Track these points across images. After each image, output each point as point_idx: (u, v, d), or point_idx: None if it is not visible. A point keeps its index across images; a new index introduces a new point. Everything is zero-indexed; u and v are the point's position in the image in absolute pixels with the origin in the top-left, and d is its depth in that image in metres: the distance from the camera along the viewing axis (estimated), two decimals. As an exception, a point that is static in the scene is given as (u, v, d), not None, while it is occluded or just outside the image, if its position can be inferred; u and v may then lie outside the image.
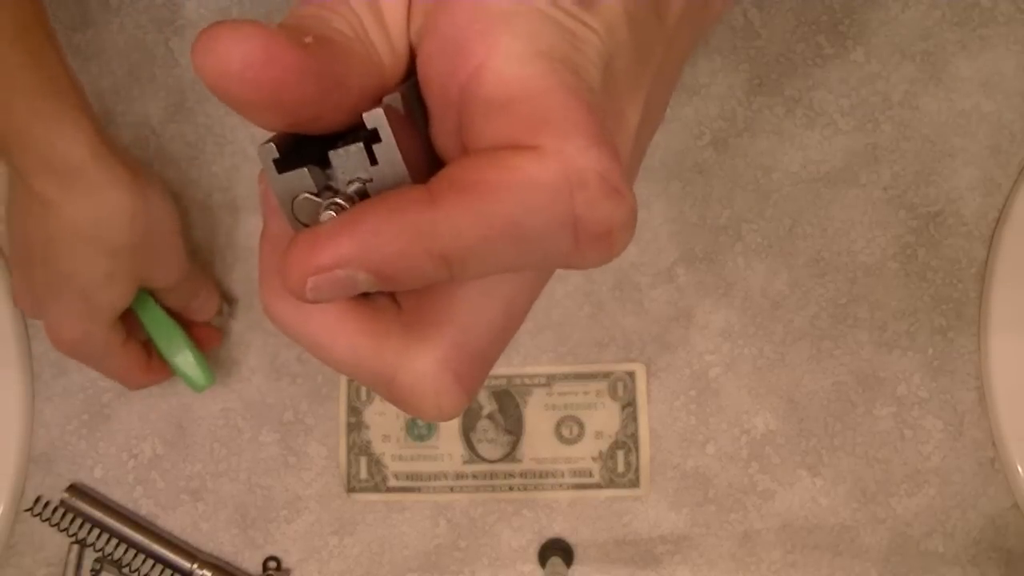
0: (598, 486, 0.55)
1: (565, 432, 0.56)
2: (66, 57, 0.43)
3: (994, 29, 0.56)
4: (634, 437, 0.55)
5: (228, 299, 0.56)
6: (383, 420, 0.56)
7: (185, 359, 0.51)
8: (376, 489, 0.56)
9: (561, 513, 0.55)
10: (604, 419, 0.56)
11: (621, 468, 0.55)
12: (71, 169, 0.42)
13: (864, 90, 0.56)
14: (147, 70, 0.57)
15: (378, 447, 0.56)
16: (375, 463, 0.56)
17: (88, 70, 0.57)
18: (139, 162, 0.46)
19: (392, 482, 0.56)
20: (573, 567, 0.55)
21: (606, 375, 0.56)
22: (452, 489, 0.55)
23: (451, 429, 0.56)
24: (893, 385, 0.55)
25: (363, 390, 0.56)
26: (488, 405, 0.56)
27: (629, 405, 0.55)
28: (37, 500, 0.56)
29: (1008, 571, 0.54)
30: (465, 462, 0.56)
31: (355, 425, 0.56)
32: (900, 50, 0.56)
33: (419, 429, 0.56)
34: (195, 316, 0.54)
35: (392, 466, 0.56)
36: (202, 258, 0.57)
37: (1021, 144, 0.56)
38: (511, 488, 0.55)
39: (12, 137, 0.41)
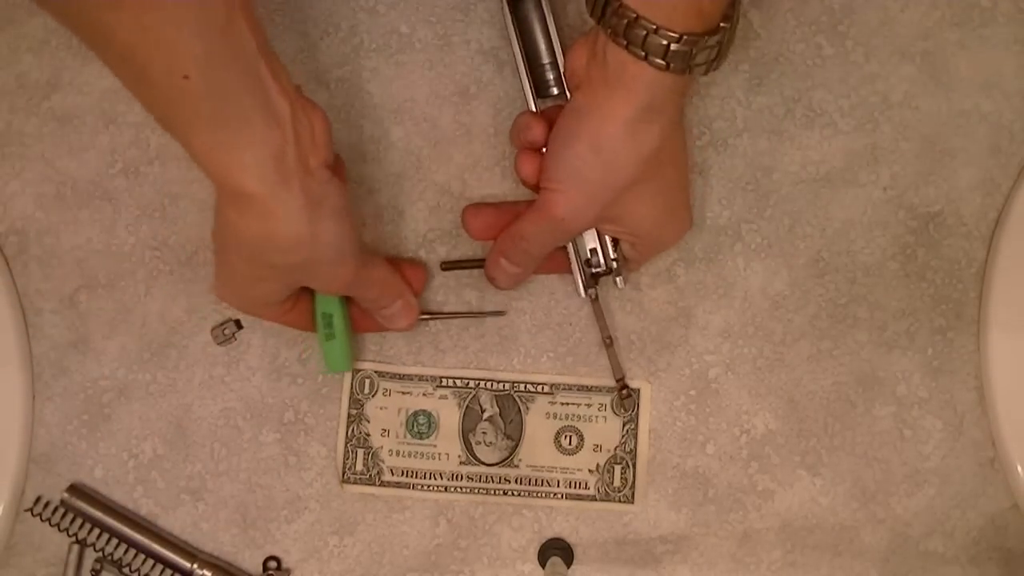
0: (592, 499, 0.55)
1: (564, 442, 0.56)
2: (278, 79, 0.43)
3: (994, 29, 0.56)
4: (633, 453, 0.55)
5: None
6: (384, 414, 0.56)
7: (332, 346, 0.53)
8: (370, 482, 0.56)
9: (561, 513, 0.55)
10: (605, 432, 0.56)
11: (617, 483, 0.55)
12: (242, 199, 0.43)
13: (864, 90, 0.56)
14: (147, 70, 0.57)
15: (376, 441, 0.56)
16: (372, 456, 0.56)
17: (88, 70, 0.57)
18: (327, 182, 0.46)
19: (387, 477, 0.56)
20: (573, 567, 0.55)
21: (611, 389, 0.56)
22: (447, 489, 0.55)
23: (451, 429, 0.56)
24: (893, 385, 0.55)
25: (367, 383, 0.56)
26: (490, 408, 0.56)
27: (631, 421, 0.55)
28: (37, 500, 0.56)
29: (1008, 571, 0.55)
30: (462, 463, 0.56)
31: (355, 417, 0.56)
32: (900, 50, 0.56)
33: (419, 426, 0.56)
34: (386, 324, 0.54)
35: (389, 461, 0.56)
36: (205, 253, 0.57)
37: (1021, 144, 0.56)
38: (505, 493, 0.55)
39: (208, 171, 0.43)
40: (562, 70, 0.52)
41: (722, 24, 0.44)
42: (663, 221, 0.51)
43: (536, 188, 0.51)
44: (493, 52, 0.57)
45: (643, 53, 0.43)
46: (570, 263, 0.54)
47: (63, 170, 0.57)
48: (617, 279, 0.54)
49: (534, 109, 0.53)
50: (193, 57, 0.39)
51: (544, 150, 0.50)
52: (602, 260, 0.53)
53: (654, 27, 0.43)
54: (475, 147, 0.57)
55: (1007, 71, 0.56)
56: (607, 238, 0.53)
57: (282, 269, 0.47)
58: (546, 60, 0.53)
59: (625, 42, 0.44)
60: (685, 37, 0.43)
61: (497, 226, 0.53)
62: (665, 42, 0.43)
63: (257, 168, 0.43)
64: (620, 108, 0.46)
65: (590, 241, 0.53)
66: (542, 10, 0.53)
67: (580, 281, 0.54)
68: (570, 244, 0.53)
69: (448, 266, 0.56)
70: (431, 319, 0.56)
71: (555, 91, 0.53)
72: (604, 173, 0.47)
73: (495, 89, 0.56)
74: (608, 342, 0.55)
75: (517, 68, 0.53)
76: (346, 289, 0.51)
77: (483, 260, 0.54)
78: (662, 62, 0.43)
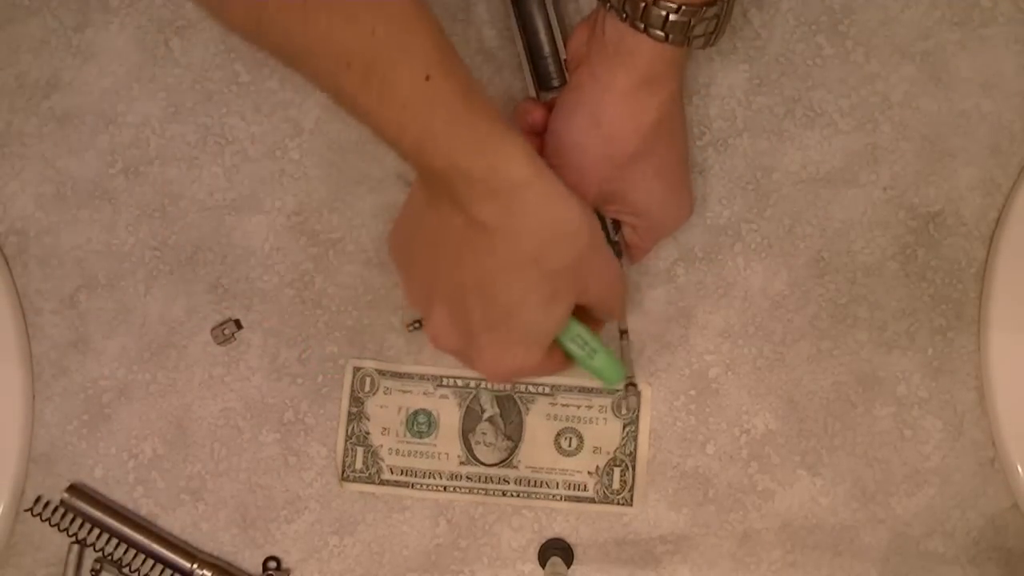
0: (591, 500, 0.55)
1: (564, 443, 0.56)
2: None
3: (994, 29, 0.56)
4: (632, 456, 0.55)
5: None
6: (384, 413, 0.56)
7: (602, 359, 0.48)
8: (370, 480, 0.56)
9: (561, 513, 0.55)
10: (604, 435, 0.55)
11: (616, 485, 0.55)
12: (516, 189, 0.40)
13: (864, 90, 0.56)
14: (147, 70, 0.57)
15: (376, 439, 0.56)
16: (372, 455, 0.56)
17: (88, 70, 0.57)
18: None
19: (387, 475, 0.56)
20: (573, 567, 0.55)
21: (612, 392, 0.55)
22: (446, 489, 0.55)
23: (451, 428, 0.56)
24: (893, 385, 0.55)
25: (367, 381, 0.56)
26: (490, 408, 0.56)
27: (631, 424, 0.55)
28: (37, 500, 0.56)
29: (1008, 571, 0.55)
30: (461, 463, 0.56)
31: (356, 415, 0.56)
32: (900, 50, 0.56)
33: (419, 425, 0.56)
34: (603, 317, 0.50)
35: (388, 459, 0.56)
36: (205, 253, 0.57)
37: (1021, 144, 0.56)
38: (504, 494, 0.55)
39: (455, 171, 0.40)
40: (563, 61, 0.52)
41: None
42: (663, 201, 0.51)
43: None
44: (493, 52, 0.57)
45: (642, 25, 0.44)
46: None
47: (63, 170, 0.57)
48: (622, 261, 0.54)
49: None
50: (424, 53, 0.38)
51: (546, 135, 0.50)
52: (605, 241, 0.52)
53: None
54: (475, 147, 0.57)
55: (1007, 71, 0.56)
56: (608, 220, 0.53)
57: (567, 275, 0.43)
58: (548, 52, 0.53)
59: (624, 14, 0.44)
60: (683, 8, 0.43)
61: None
62: (664, 13, 0.44)
63: (524, 150, 0.41)
64: (619, 81, 0.46)
65: None
66: (544, 3, 0.53)
67: None
68: None
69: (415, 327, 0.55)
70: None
71: (557, 83, 0.53)
72: (604, 146, 0.47)
73: (495, 89, 0.56)
74: (622, 335, 0.54)
75: (520, 60, 0.54)
76: (618, 285, 0.48)
77: None
78: (660, 33, 0.44)
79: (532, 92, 0.54)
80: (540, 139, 0.50)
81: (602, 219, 0.52)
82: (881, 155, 0.56)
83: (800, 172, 0.56)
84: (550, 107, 0.50)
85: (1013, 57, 0.56)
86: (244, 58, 0.57)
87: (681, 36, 0.45)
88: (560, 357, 0.48)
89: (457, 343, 0.46)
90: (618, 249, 0.53)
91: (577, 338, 0.48)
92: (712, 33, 0.46)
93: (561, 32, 0.53)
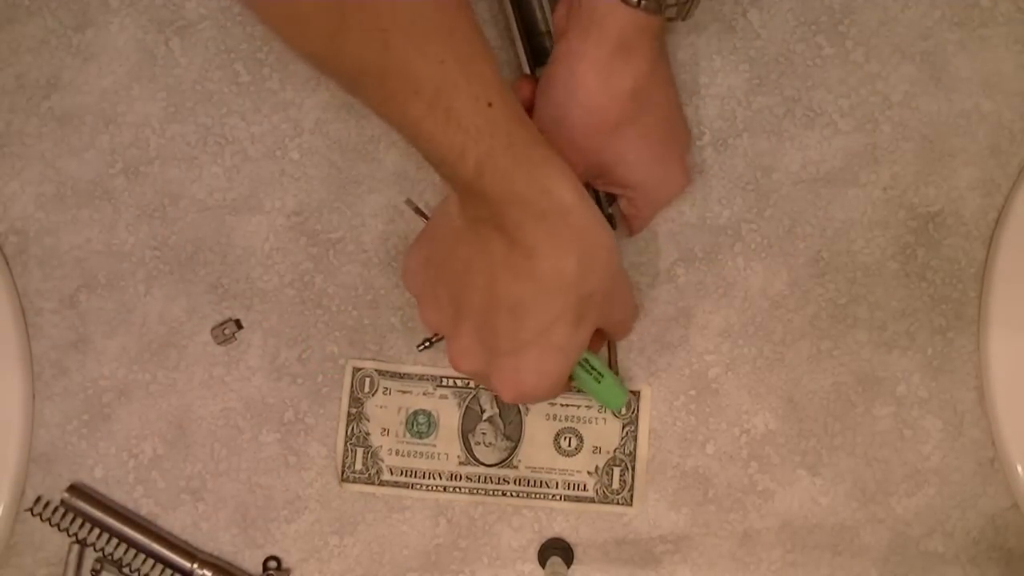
0: (591, 500, 0.55)
1: (564, 443, 0.56)
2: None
3: (994, 29, 0.56)
4: (632, 456, 0.55)
5: None
6: (383, 413, 0.56)
7: (608, 384, 0.49)
8: (369, 481, 0.56)
9: (561, 513, 0.55)
10: (604, 435, 0.55)
11: (616, 485, 0.55)
12: (562, 212, 0.42)
13: (864, 90, 0.56)
14: (147, 70, 0.57)
15: (376, 440, 0.56)
16: (371, 455, 0.56)
17: (88, 70, 0.57)
18: None
19: (386, 476, 0.56)
20: (573, 567, 0.55)
21: None
22: (445, 489, 0.55)
23: (450, 429, 0.56)
24: (893, 385, 0.55)
25: (367, 381, 0.56)
26: (490, 408, 0.56)
27: (630, 424, 0.55)
28: (37, 500, 0.56)
29: (1008, 571, 0.55)
30: (461, 463, 0.56)
31: (355, 416, 0.56)
32: (900, 50, 0.56)
33: (419, 425, 0.56)
34: (614, 339, 0.53)
35: (388, 460, 0.56)
36: (205, 253, 0.57)
37: (1021, 144, 0.56)
38: (504, 494, 0.55)
39: (510, 194, 0.41)
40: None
41: None
42: (652, 170, 0.51)
43: None
44: (493, 52, 0.56)
45: None
46: None
47: (63, 170, 0.57)
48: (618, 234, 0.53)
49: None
50: (487, 81, 0.40)
51: None
52: None
53: None
54: (475, 147, 0.57)
55: (1007, 71, 0.56)
56: (602, 195, 0.53)
57: (597, 297, 0.44)
58: (544, 29, 0.53)
59: None
60: None
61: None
62: None
63: (570, 175, 0.42)
64: (592, 49, 0.46)
65: None
66: None
67: None
68: None
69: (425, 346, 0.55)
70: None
71: None
72: (583, 116, 0.48)
73: (495, 89, 0.56)
74: (610, 347, 0.55)
75: (512, 37, 0.53)
76: (633, 309, 0.50)
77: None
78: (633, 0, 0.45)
79: (526, 69, 0.53)
80: (529, 115, 0.50)
81: (596, 193, 0.52)
82: (881, 155, 0.56)
83: (800, 172, 0.56)
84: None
85: (1013, 57, 0.56)
86: (244, 58, 0.57)
87: (654, 4, 0.45)
88: (566, 380, 0.48)
89: (479, 365, 0.46)
90: (613, 222, 0.53)
91: (585, 362, 0.49)
92: (686, 3, 0.46)
93: (551, 8, 0.52)
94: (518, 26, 0.53)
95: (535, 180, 0.41)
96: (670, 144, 0.52)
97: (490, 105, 0.40)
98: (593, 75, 0.47)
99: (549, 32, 0.53)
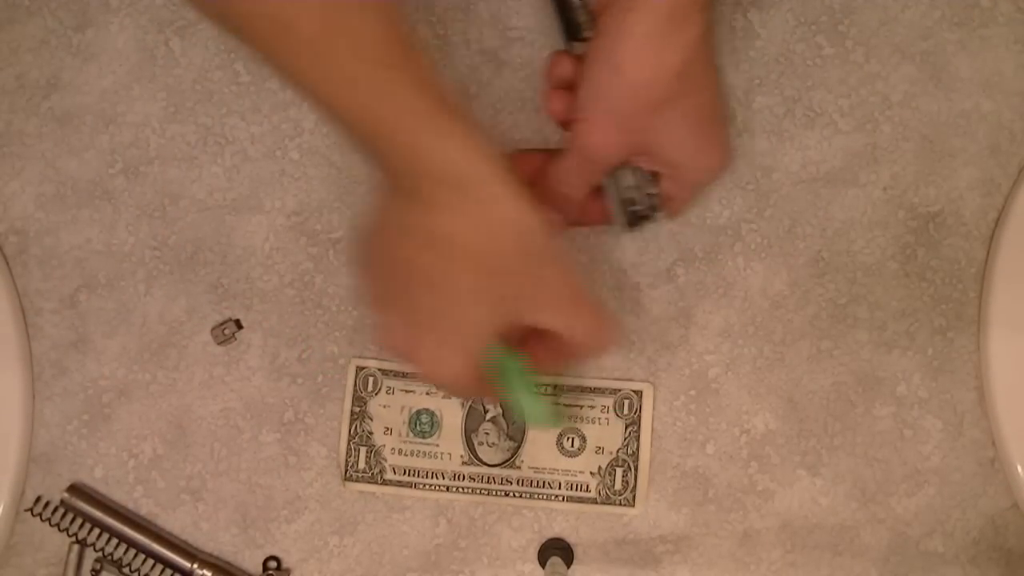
0: (594, 501, 0.55)
1: (567, 444, 0.56)
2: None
3: (994, 29, 0.56)
4: (635, 456, 0.55)
5: None
6: (386, 412, 0.56)
7: (529, 403, 0.48)
8: (372, 480, 0.56)
9: (561, 513, 0.55)
10: (607, 435, 0.55)
11: (619, 486, 0.55)
12: (467, 183, 0.41)
13: (864, 90, 0.56)
14: (147, 70, 0.57)
15: (379, 439, 0.56)
16: (374, 455, 0.56)
17: (88, 70, 0.57)
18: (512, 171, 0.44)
19: (389, 475, 0.56)
20: (573, 567, 0.55)
21: (614, 391, 0.55)
22: (448, 489, 0.55)
23: (453, 428, 0.56)
24: (893, 385, 0.55)
25: (370, 380, 0.56)
26: (493, 408, 0.56)
27: (633, 424, 0.55)
28: (37, 500, 0.56)
29: (1008, 571, 0.55)
30: (464, 463, 0.56)
31: (358, 415, 0.56)
32: (900, 50, 0.56)
33: (422, 425, 0.56)
34: (575, 352, 0.48)
35: (391, 459, 0.56)
36: (205, 253, 0.57)
37: (1021, 144, 0.56)
38: (507, 495, 0.55)
39: (419, 167, 0.41)
40: (591, 7, 0.51)
41: None
42: (698, 148, 0.50)
43: (567, 125, 0.49)
44: (493, 52, 0.57)
45: None
46: (609, 203, 0.52)
47: (63, 170, 0.57)
48: (659, 214, 0.53)
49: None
50: (376, 41, 0.39)
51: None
52: (641, 197, 0.51)
53: None
54: (475, 147, 0.57)
55: (1007, 71, 0.56)
56: (645, 173, 0.51)
57: (515, 274, 0.43)
58: (578, 3, 0.51)
59: None
60: None
61: (541, 170, 0.51)
62: None
63: (476, 148, 0.41)
64: (640, 23, 0.45)
65: (627, 178, 0.51)
66: None
67: (621, 220, 0.52)
68: (609, 184, 0.51)
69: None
70: None
71: (588, 34, 0.51)
72: (629, 92, 0.46)
73: (495, 89, 0.56)
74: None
75: (550, 10, 0.52)
76: (573, 308, 0.45)
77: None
78: None
79: (561, 44, 0.52)
80: (568, 94, 0.49)
81: (639, 171, 0.51)
82: (881, 155, 0.56)
83: (800, 172, 0.56)
84: (581, 60, 0.49)
85: (1013, 57, 0.56)
86: (244, 58, 0.57)
87: None
88: (475, 370, 0.45)
89: (403, 343, 0.45)
90: (656, 202, 0.52)
91: (508, 371, 0.47)
92: None
93: None
94: (554, 1, 0.52)
95: (439, 150, 0.40)
96: (714, 122, 0.51)
97: (385, 66, 0.39)
98: (642, 51, 0.45)
99: (584, 4, 0.51)
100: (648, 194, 0.52)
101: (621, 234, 0.53)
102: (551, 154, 0.51)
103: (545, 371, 0.50)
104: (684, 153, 0.49)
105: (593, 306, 0.47)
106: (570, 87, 0.49)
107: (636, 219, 0.53)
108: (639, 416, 0.55)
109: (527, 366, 0.48)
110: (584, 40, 0.51)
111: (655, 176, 0.51)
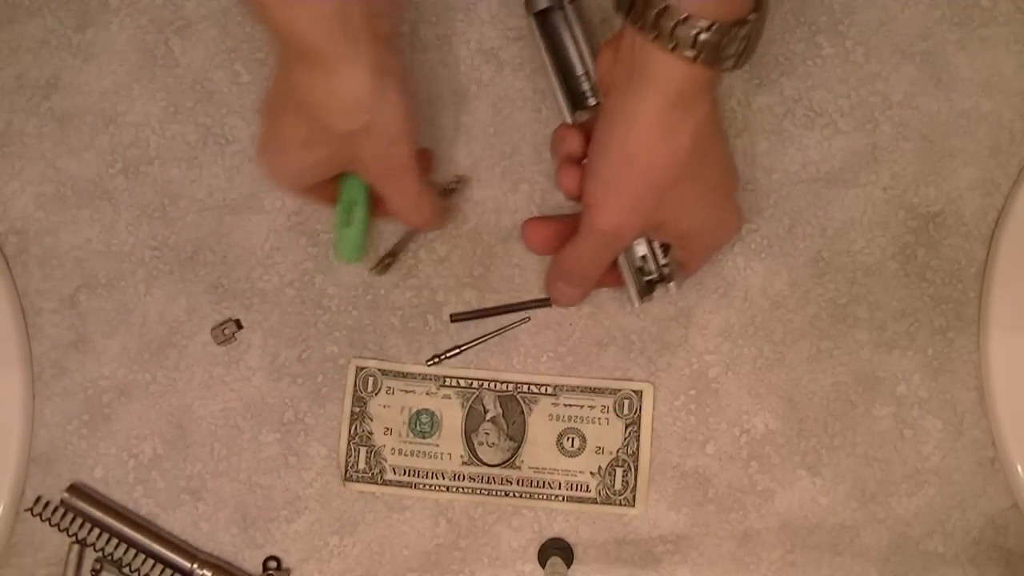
0: (594, 501, 0.55)
1: (567, 444, 0.56)
2: None
3: (994, 29, 0.56)
4: (635, 456, 0.55)
5: (459, 177, 0.56)
6: (386, 413, 0.56)
7: (347, 232, 0.52)
8: (372, 480, 0.56)
9: (561, 513, 0.55)
10: (607, 435, 0.55)
11: (619, 486, 0.55)
12: (312, 54, 0.43)
13: (864, 90, 0.56)
14: (147, 70, 0.57)
15: (379, 439, 0.56)
16: (374, 455, 0.56)
17: (88, 70, 0.57)
18: (392, 54, 0.46)
19: (389, 475, 0.56)
20: (573, 567, 0.55)
21: (614, 391, 0.55)
22: (448, 489, 0.55)
23: (453, 429, 0.56)
24: (893, 385, 0.55)
25: (370, 380, 0.56)
26: (493, 409, 0.56)
27: (633, 424, 0.55)
28: (37, 500, 0.56)
29: (1008, 571, 0.55)
30: (464, 463, 0.56)
31: (358, 415, 0.56)
32: (900, 50, 0.56)
33: (422, 425, 0.56)
34: (404, 218, 0.53)
35: (391, 459, 0.56)
36: (205, 253, 0.57)
37: (1021, 144, 0.56)
38: (507, 495, 0.55)
39: (269, 19, 0.43)
40: (594, 79, 0.51)
41: (751, 15, 0.43)
42: (710, 222, 0.50)
43: (579, 200, 0.50)
44: (493, 52, 0.57)
45: (672, 44, 0.42)
46: (621, 274, 0.52)
47: (63, 170, 0.57)
48: (670, 285, 0.53)
49: (570, 122, 0.52)
50: None
51: (585, 163, 0.49)
52: (654, 267, 0.52)
53: (684, 16, 0.42)
54: (475, 147, 0.57)
55: (1007, 71, 0.56)
56: (656, 244, 0.52)
57: (339, 137, 0.46)
58: (580, 71, 0.52)
59: (654, 33, 0.43)
60: (715, 26, 0.42)
61: (557, 240, 0.52)
62: (695, 31, 0.42)
63: (324, 22, 0.42)
64: (649, 109, 0.45)
65: (640, 249, 0.52)
66: (569, 21, 0.51)
67: (634, 291, 0.53)
68: (621, 256, 0.52)
69: (457, 318, 0.56)
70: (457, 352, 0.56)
71: (592, 101, 0.52)
72: (642, 179, 0.46)
73: (495, 89, 0.56)
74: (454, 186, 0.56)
75: (550, 82, 0.52)
76: (394, 175, 0.49)
77: (488, 310, 0.55)
78: (691, 53, 0.42)
79: (565, 113, 0.52)
80: (579, 168, 0.50)
81: (650, 243, 0.51)
82: (881, 155, 0.56)
83: (800, 172, 0.56)
84: (586, 130, 0.50)
85: (1013, 57, 0.56)
86: (244, 58, 0.57)
87: (712, 56, 0.43)
88: (328, 192, 0.52)
89: (261, 155, 0.50)
90: (667, 274, 0.52)
91: (348, 203, 0.52)
92: (742, 54, 0.44)
93: (589, 48, 0.51)
94: (555, 72, 0.52)
95: (289, 18, 0.43)
96: (726, 189, 0.51)
97: None
98: (652, 136, 0.45)
99: (587, 74, 0.52)
100: (661, 264, 0.52)
101: (635, 304, 0.53)
102: (565, 222, 0.52)
103: (384, 216, 0.54)
104: (697, 224, 0.50)
105: (412, 178, 0.50)
106: (578, 161, 0.50)
107: (650, 288, 0.53)
108: (639, 416, 0.55)
109: (371, 206, 0.52)
110: (589, 108, 0.52)
111: (666, 246, 0.52)
